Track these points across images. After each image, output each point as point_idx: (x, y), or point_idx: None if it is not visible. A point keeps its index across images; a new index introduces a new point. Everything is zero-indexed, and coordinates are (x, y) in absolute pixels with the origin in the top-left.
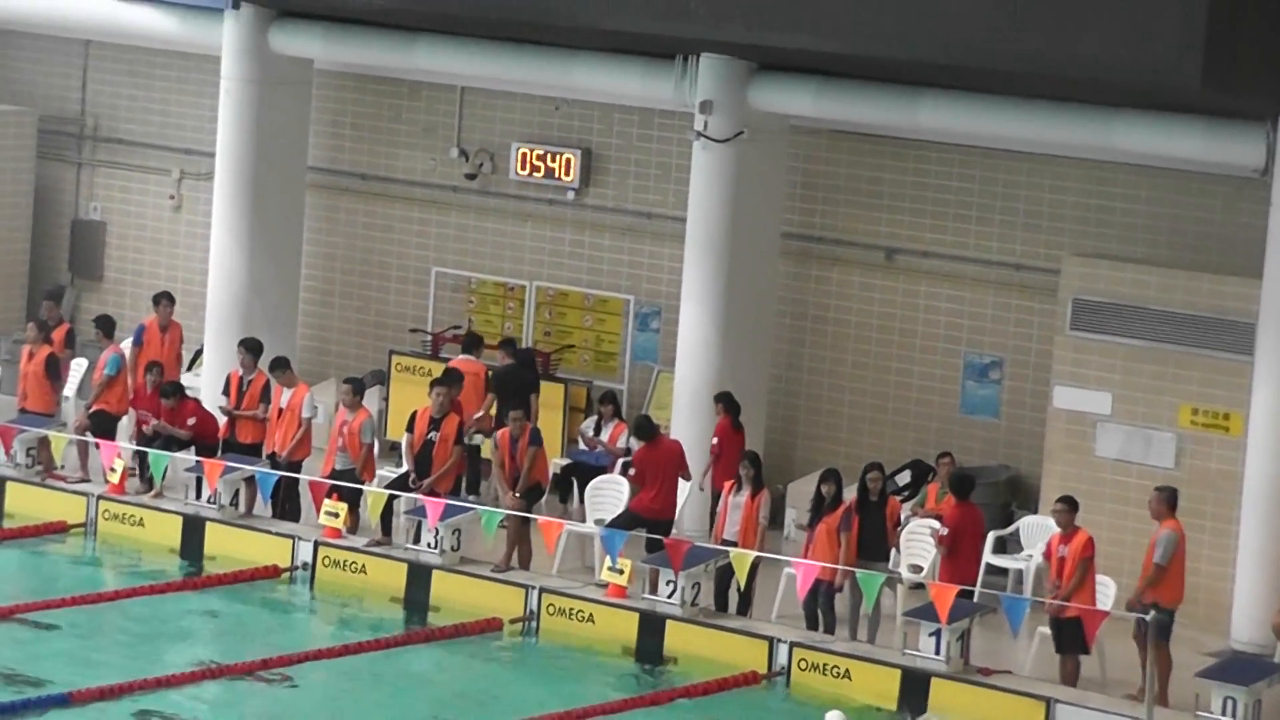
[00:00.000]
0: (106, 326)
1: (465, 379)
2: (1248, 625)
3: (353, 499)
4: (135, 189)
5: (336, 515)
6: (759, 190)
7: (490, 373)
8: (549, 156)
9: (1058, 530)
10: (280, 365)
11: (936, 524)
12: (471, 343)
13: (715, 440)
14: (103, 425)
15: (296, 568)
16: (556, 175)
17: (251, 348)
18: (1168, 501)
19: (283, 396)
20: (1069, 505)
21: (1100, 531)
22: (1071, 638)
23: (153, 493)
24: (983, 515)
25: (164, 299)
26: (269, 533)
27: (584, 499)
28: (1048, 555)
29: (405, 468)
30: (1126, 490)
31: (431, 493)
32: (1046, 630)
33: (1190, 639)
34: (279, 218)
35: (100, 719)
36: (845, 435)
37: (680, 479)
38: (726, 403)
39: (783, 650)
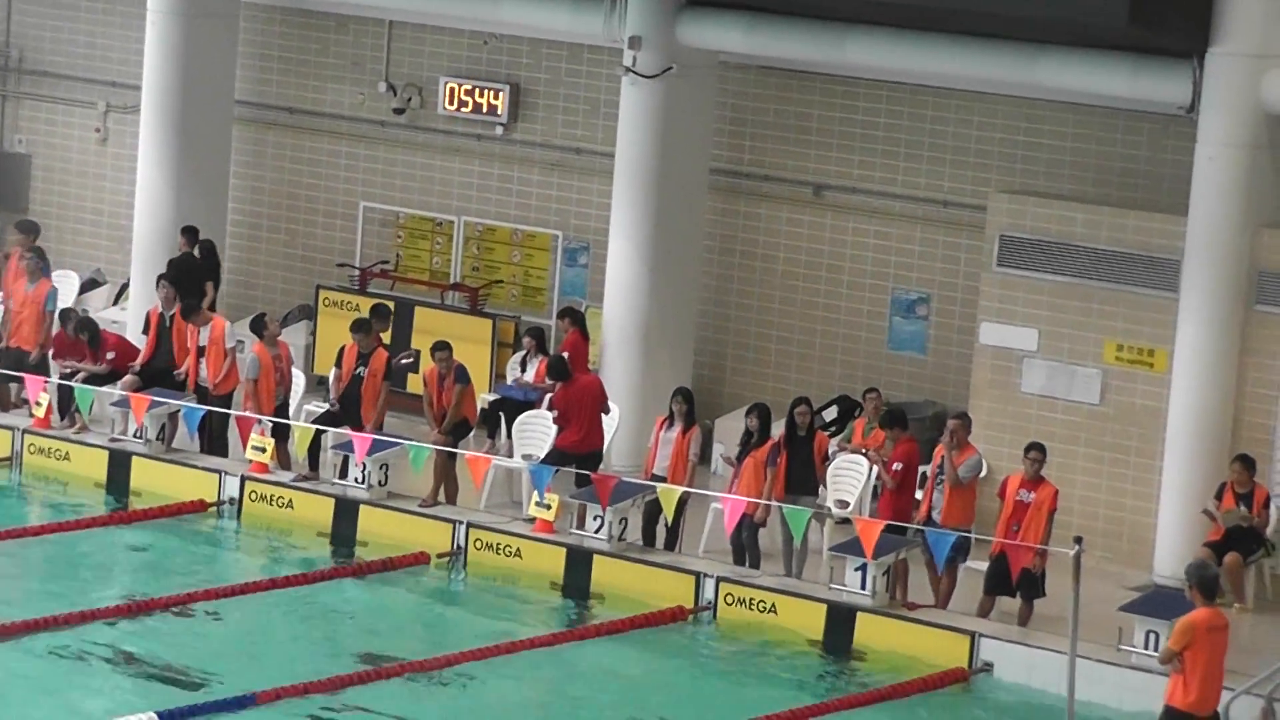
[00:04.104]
0: (42, 256)
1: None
2: (1170, 560)
3: (283, 433)
4: (60, 122)
5: (264, 450)
6: (687, 126)
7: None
8: (477, 91)
9: (1018, 473)
10: (191, 309)
11: (863, 458)
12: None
13: (565, 354)
14: (17, 361)
15: (223, 502)
16: (485, 110)
17: (173, 280)
18: (968, 429)
19: (201, 335)
20: (1043, 454)
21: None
22: (1031, 585)
23: (77, 427)
24: (919, 449)
25: (18, 229)
26: (195, 467)
27: (511, 434)
28: (1001, 494)
29: (332, 398)
30: (1052, 426)
31: (359, 428)
32: (973, 565)
33: (1113, 573)
34: (206, 152)
35: (26, 653)
36: (773, 371)
37: (603, 413)
38: (572, 317)
39: (709, 585)
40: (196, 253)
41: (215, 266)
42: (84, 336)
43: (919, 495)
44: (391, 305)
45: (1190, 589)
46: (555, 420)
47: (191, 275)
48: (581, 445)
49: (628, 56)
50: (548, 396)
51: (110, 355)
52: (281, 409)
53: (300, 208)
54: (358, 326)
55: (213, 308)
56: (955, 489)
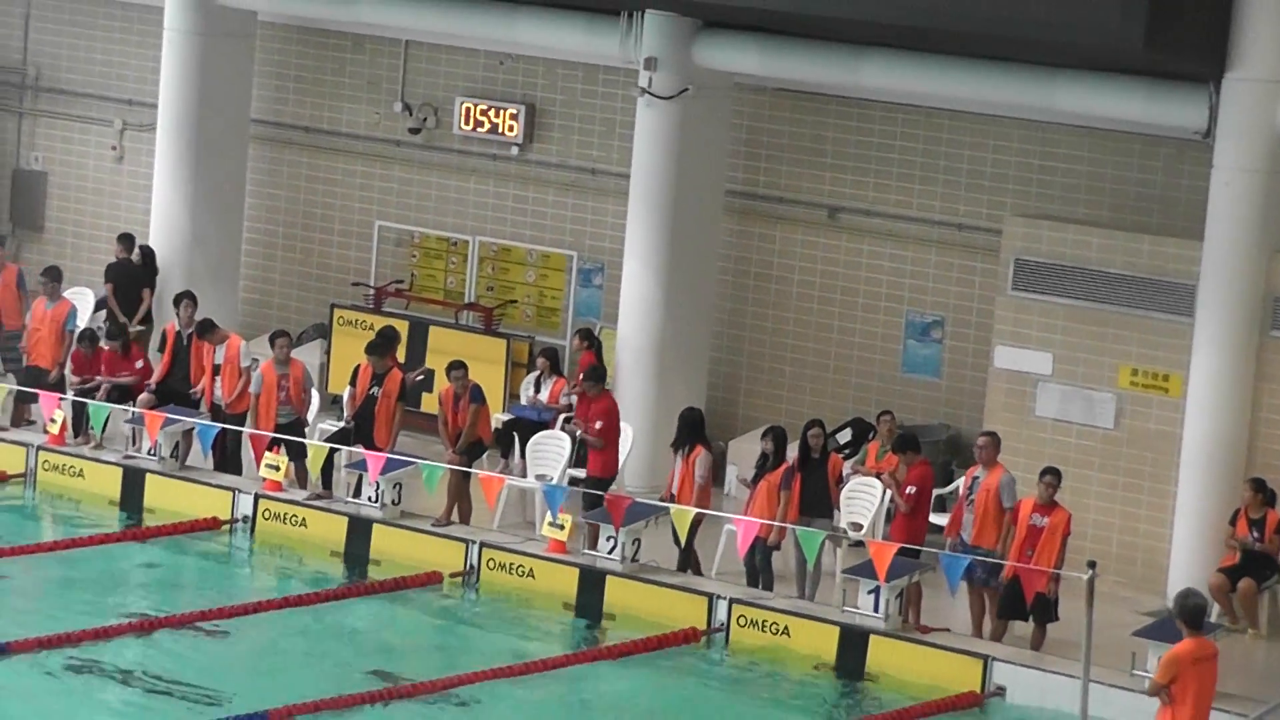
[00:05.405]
0: (56, 278)
1: None
2: (1184, 585)
3: (298, 452)
4: (77, 139)
5: (277, 468)
6: (703, 147)
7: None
8: (493, 111)
9: (1031, 498)
10: (207, 328)
11: (877, 481)
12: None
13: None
14: (36, 380)
15: (237, 520)
16: (500, 130)
17: (194, 300)
18: (997, 446)
19: (217, 353)
20: (1058, 478)
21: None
22: (1045, 609)
23: (92, 444)
24: (933, 473)
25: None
26: (209, 485)
27: (525, 454)
28: (1014, 520)
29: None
30: (1066, 450)
31: (373, 448)
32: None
33: (1127, 599)
34: (222, 170)
35: (38, 669)
36: (787, 393)
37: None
38: (590, 339)
39: (722, 606)
40: (136, 258)
41: (154, 273)
42: (114, 345)
43: (942, 520)
44: (405, 325)
45: (1176, 620)
46: (593, 431)
47: (131, 282)
48: (596, 463)
49: (643, 77)
50: (561, 416)
51: (139, 364)
52: (297, 427)
53: (315, 226)
54: (372, 349)
55: (149, 315)
56: (987, 510)
